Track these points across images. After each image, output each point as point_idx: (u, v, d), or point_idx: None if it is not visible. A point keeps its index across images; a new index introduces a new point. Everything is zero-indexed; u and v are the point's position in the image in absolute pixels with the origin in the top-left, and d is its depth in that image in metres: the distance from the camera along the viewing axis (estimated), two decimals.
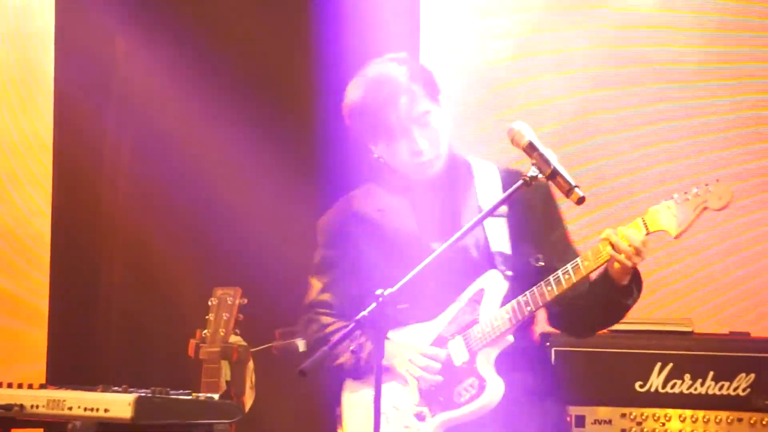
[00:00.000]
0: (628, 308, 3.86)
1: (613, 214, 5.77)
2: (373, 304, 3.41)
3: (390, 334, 3.87)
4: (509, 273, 3.84)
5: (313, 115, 6.23)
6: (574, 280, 3.74)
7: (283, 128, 6.25)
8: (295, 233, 6.14)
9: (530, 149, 3.70)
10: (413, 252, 3.74)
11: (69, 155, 6.50)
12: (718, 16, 5.88)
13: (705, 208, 3.66)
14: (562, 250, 3.92)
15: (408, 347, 3.87)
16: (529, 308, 3.77)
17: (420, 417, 3.86)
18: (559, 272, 3.74)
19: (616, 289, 3.78)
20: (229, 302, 5.06)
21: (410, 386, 3.87)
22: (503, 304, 3.83)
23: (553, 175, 3.65)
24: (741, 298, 5.75)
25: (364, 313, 3.40)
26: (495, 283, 3.85)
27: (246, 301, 5.11)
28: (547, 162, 3.66)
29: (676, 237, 3.70)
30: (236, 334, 5.07)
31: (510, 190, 3.66)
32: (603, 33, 6.01)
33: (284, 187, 6.21)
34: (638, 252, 3.69)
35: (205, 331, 5.03)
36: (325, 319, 4.02)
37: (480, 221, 3.63)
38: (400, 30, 6.15)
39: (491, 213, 3.66)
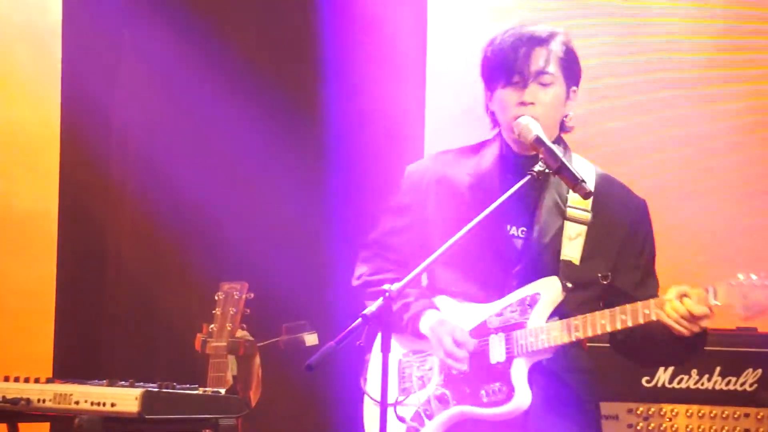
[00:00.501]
0: (689, 359, 3.90)
1: None
2: (380, 300, 3.40)
3: (440, 302, 3.89)
4: (569, 285, 3.80)
5: (322, 110, 6.22)
6: (630, 325, 3.70)
7: (292, 122, 6.24)
8: (302, 228, 6.15)
9: (538, 144, 3.71)
10: (487, 227, 3.67)
11: (76, 148, 6.49)
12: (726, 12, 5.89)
13: None
14: (642, 279, 3.89)
15: (444, 326, 3.84)
16: (577, 334, 3.75)
17: (442, 399, 3.85)
18: (617, 311, 3.70)
19: (679, 341, 3.75)
20: (236, 297, 5.07)
21: (437, 365, 3.88)
22: (554, 313, 3.80)
23: (560, 169, 3.65)
24: None
25: (372, 308, 3.39)
26: (552, 291, 3.81)
27: (252, 295, 5.11)
28: (554, 156, 3.66)
29: (745, 320, 3.65)
30: (243, 328, 5.08)
31: (516, 185, 3.65)
32: (609, 29, 6.01)
33: (292, 182, 6.20)
34: (698, 322, 3.67)
35: (212, 325, 5.04)
36: (386, 265, 4.00)
37: (479, 221, 3.60)
38: (407, 22, 6.15)
39: (493, 210, 3.63)
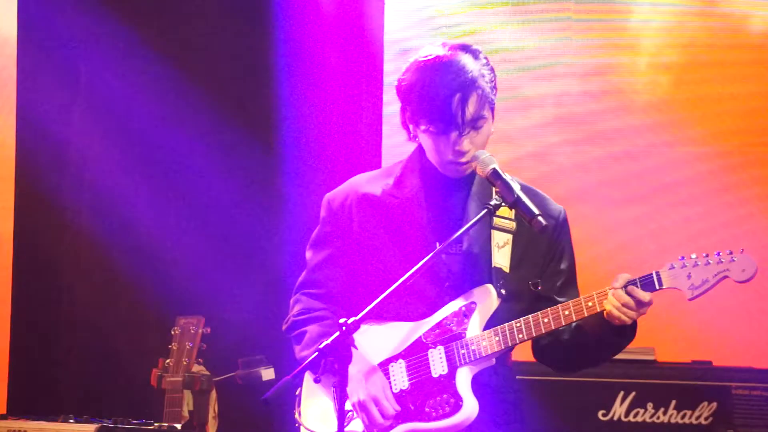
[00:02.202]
0: (622, 348, 3.81)
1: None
2: (336, 333, 3.39)
3: (368, 327, 3.77)
4: (503, 292, 3.77)
5: (277, 141, 6.22)
6: (574, 319, 3.69)
7: (247, 154, 6.22)
8: (258, 262, 6.13)
9: (494, 177, 3.71)
10: (418, 246, 3.68)
11: (30, 184, 6.46)
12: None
13: (726, 277, 3.62)
14: (564, 284, 3.88)
15: (362, 381, 3.73)
16: (521, 336, 3.72)
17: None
18: (560, 308, 3.70)
19: (614, 330, 3.73)
20: (192, 331, 5.05)
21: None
22: (491, 322, 3.77)
23: (516, 203, 3.66)
24: (703, 327, 5.77)
25: (327, 342, 3.38)
26: (488, 299, 3.78)
27: (209, 330, 5.10)
28: (510, 191, 3.67)
29: (691, 300, 3.65)
30: (199, 363, 5.06)
31: (475, 219, 3.66)
32: (564, 42, 6.08)
33: (247, 216, 6.19)
34: (641, 308, 3.66)
35: (168, 360, 5.01)
36: (311, 303, 3.93)
37: (444, 247, 3.60)
38: (363, 33, 6.15)
39: (453, 240, 3.63)
